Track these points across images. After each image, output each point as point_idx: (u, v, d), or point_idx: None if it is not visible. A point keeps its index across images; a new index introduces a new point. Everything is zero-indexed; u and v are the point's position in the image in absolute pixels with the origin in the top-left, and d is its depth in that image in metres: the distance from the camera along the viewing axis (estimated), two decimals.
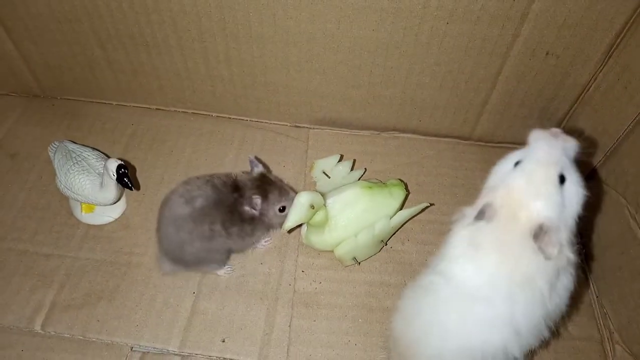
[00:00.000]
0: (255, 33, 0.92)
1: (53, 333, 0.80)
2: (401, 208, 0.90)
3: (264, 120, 1.12)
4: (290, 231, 0.88)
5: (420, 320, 0.64)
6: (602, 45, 0.86)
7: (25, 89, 1.12)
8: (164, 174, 1.01)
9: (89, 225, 0.93)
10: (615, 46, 0.85)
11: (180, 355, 0.79)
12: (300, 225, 0.88)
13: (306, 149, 1.07)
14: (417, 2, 0.83)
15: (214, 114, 1.12)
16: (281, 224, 0.81)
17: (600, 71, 0.90)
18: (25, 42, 1.01)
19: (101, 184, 0.87)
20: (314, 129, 1.11)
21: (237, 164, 1.03)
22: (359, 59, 0.94)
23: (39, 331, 0.80)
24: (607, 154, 0.90)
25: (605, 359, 0.82)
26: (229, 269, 0.88)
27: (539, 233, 0.54)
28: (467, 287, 0.58)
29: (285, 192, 0.83)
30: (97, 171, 0.89)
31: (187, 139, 1.07)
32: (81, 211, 0.93)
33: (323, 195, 0.84)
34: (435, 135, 1.10)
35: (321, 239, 0.87)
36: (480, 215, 0.58)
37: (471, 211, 0.60)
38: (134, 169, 1.01)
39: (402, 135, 1.10)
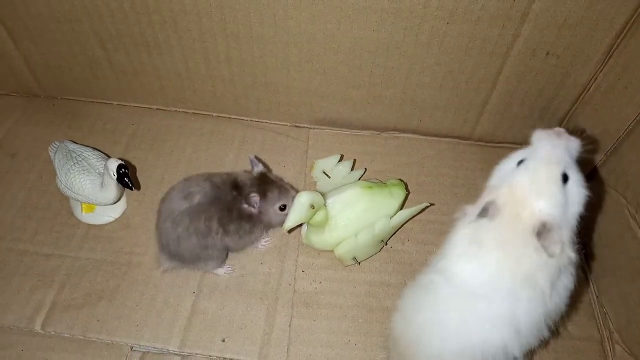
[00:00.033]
0: (256, 33, 0.92)
1: (53, 333, 0.80)
2: (401, 208, 0.90)
3: (265, 120, 1.12)
4: (290, 231, 0.88)
5: (420, 319, 0.64)
6: (602, 45, 0.86)
7: (26, 89, 1.12)
8: (165, 174, 1.01)
9: (89, 225, 0.93)
10: (615, 46, 0.85)
11: (180, 355, 0.79)
12: (300, 225, 0.88)
13: (306, 149, 1.07)
14: (418, 3, 0.83)
15: (214, 114, 1.12)
16: (282, 223, 0.81)
17: (601, 71, 0.90)
18: (26, 42, 1.01)
19: (101, 183, 0.87)
20: (314, 129, 1.11)
21: (238, 163, 1.03)
22: (360, 59, 0.94)
23: (39, 331, 0.80)
24: (607, 153, 0.90)
25: (605, 359, 0.82)
26: (229, 268, 0.88)
27: (541, 231, 0.54)
28: (468, 286, 0.58)
29: (285, 190, 0.83)
30: (97, 171, 0.89)
31: (187, 139, 1.07)
32: (81, 211, 0.93)
33: (323, 195, 0.84)
34: (436, 135, 1.10)
35: (321, 239, 0.87)
36: (483, 213, 0.58)
37: (473, 209, 0.60)
38: (134, 168, 1.01)
39: (402, 135, 1.10)
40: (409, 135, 1.10)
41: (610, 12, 0.81)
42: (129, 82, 1.07)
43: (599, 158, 0.92)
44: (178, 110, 1.13)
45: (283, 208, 0.83)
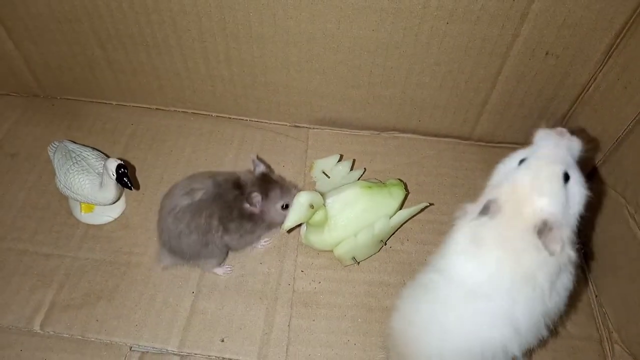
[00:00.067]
0: (256, 33, 0.92)
1: (52, 333, 0.80)
2: (401, 208, 0.90)
3: (264, 120, 1.12)
4: (289, 231, 0.88)
5: (419, 318, 0.64)
6: (601, 45, 0.86)
7: (26, 89, 1.13)
8: (164, 174, 1.01)
9: (88, 225, 0.93)
10: (614, 46, 0.85)
11: (179, 355, 0.79)
12: (299, 225, 0.88)
13: (306, 149, 1.07)
14: (417, 2, 0.83)
15: (213, 114, 1.12)
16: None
17: (600, 71, 0.90)
18: (25, 42, 1.01)
19: (101, 183, 0.87)
20: (313, 128, 1.11)
21: (237, 163, 1.03)
22: (359, 59, 0.94)
23: (38, 331, 0.80)
24: (607, 153, 0.90)
25: (604, 359, 0.82)
26: (228, 268, 0.88)
27: (542, 229, 0.54)
28: (468, 285, 0.59)
29: (287, 190, 0.83)
30: (96, 171, 0.89)
31: (187, 139, 1.07)
32: (81, 211, 0.93)
33: (322, 195, 0.84)
34: (435, 135, 1.10)
35: (320, 239, 0.87)
36: (485, 211, 0.58)
37: (474, 207, 0.60)
38: (133, 168, 1.01)
39: (401, 135, 1.10)
40: (409, 135, 1.10)
41: (609, 12, 0.81)
42: (128, 82, 1.07)
43: (598, 158, 0.92)
44: (177, 110, 1.13)
45: (285, 207, 0.83)
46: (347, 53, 0.93)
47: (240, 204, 0.81)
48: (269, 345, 0.81)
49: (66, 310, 0.82)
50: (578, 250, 0.58)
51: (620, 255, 0.84)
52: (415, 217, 0.93)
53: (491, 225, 0.57)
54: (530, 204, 0.55)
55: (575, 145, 0.60)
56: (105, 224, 0.93)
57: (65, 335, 0.80)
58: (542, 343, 0.65)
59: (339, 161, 1.01)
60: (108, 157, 0.94)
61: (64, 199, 0.95)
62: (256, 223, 0.83)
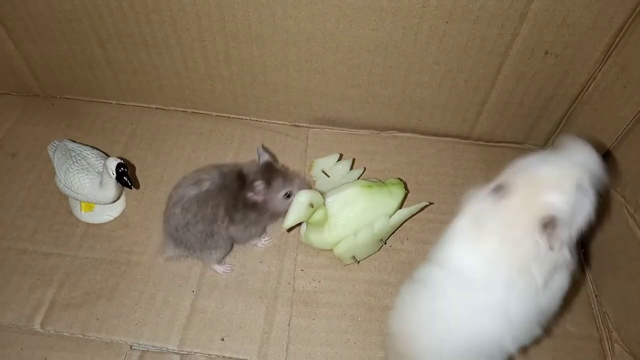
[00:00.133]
0: (255, 32, 0.92)
1: (52, 331, 0.80)
2: (400, 207, 0.90)
3: (264, 120, 1.12)
4: (289, 230, 0.88)
5: (415, 313, 0.65)
6: (601, 44, 0.86)
7: (26, 88, 1.13)
8: (164, 173, 1.01)
9: (88, 224, 0.93)
10: (614, 45, 0.85)
11: (179, 353, 0.79)
12: (299, 224, 0.88)
13: (305, 148, 1.08)
14: (417, 2, 0.83)
15: (213, 113, 1.12)
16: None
17: (599, 70, 0.90)
18: (25, 42, 1.01)
19: (100, 182, 0.87)
20: (313, 128, 1.11)
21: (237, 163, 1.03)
22: (358, 58, 0.94)
23: (39, 330, 0.80)
24: (606, 153, 0.90)
25: (604, 358, 0.82)
26: (228, 267, 0.88)
27: (548, 223, 0.55)
28: (464, 273, 0.59)
29: (290, 178, 0.84)
30: (96, 170, 0.89)
31: (186, 138, 1.08)
32: (80, 210, 0.93)
33: (322, 194, 0.84)
34: (435, 135, 1.10)
35: (320, 238, 0.87)
36: (498, 189, 0.58)
37: (486, 188, 0.60)
38: (133, 167, 1.01)
39: (401, 134, 1.10)
40: (408, 134, 1.10)
41: (609, 12, 0.81)
42: (128, 82, 1.07)
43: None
44: (177, 109, 1.13)
45: (288, 196, 0.83)
46: (347, 52, 0.93)
47: (245, 194, 0.81)
48: (269, 344, 0.81)
49: (66, 309, 0.82)
50: (576, 253, 0.58)
51: (620, 254, 0.84)
52: (415, 216, 0.93)
53: (496, 210, 0.58)
54: (544, 195, 0.56)
55: (601, 171, 0.61)
56: (105, 223, 0.93)
57: (65, 334, 0.80)
58: (539, 342, 0.65)
59: (338, 160, 1.01)
60: (108, 156, 0.94)
61: (64, 198, 0.95)
62: (260, 212, 0.83)
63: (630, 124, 0.83)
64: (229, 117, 1.12)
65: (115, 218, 0.94)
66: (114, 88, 1.09)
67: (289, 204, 0.81)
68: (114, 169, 0.83)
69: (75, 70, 1.06)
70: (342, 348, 0.81)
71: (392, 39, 0.89)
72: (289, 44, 0.93)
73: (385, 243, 0.92)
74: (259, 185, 0.80)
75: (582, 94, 0.95)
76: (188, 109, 1.13)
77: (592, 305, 0.88)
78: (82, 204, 0.92)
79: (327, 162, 1.00)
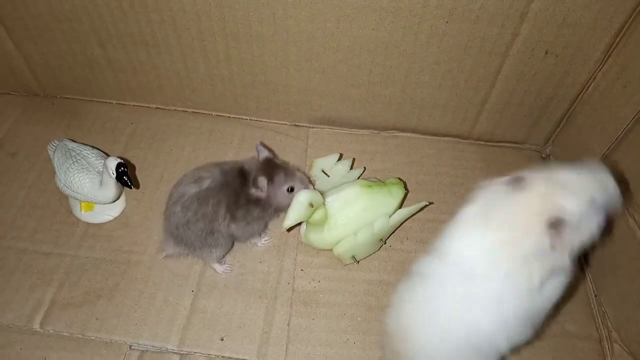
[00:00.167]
0: (255, 32, 0.92)
1: (52, 331, 0.80)
2: (400, 207, 0.90)
3: (264, 119, 1.12)
4: (289, 230, 0.88)
5: (412, 305, 0.65)
6: (601, 44, 0.86)
7: (26, 88, 1.13)
8: (164, 173, 1.01)
9: (88, 223, 0.93)
10: (614, 45, 0.85)
11: (179, 353, 0.79)
12: (299, 224, 0.88)
13: (305, 148, 1.08)
14: (417, 1, 0.83)
15: (213, 113, 1.12)
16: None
17: (600, 70, 0.90)
18: (25, 42, 1.01)
19: (100, 182, 0.87)
20: (313, 127, 1.11)
21: None
22: (359, 58, 0.94)
23: (38, 329, 0.80)
24: (606, 153, 0.90)
25: (603, 358, 0.82)
26: (227, 267, 0.88)
27: (555, 224, 0.55)
28: (464, 264, 0.59)
29: (292, 173, 0.84)
30: (96, 170, 0.89)
31: (186, 138, 1.08)
32: (80, 210, 0.93)
33: (322, 193, 0.84)
34: (435, 134, 1.10)
35: (320, 238, 0.87)
36: (515, 180, 0.59)
37: (503, 179, 0.61)
38: (133, 167, 1.01)
39: (401, 134, 1.10)
40: (408, 134, 1.10)
41: (609, 11, 0.81)
42: (128, 81, 1.07)
43: (597, 157, 0.92)
44: (177, 109, 1.13)
45: (291, 190, 0.83)
46: (347, 52, 0.93)
47: (247, 190, 0.81)
48: (269, 344, 0.81)
49: (66, 309, 0.82)
50: (576, 264, 0.59)
51: (620, 254, 0.84)
52: (414, 216, 0.93)
53: (509, 199, 0.59)
54: (558, 197, 0.57)
55: (616, 196, 0.62)
56: (105, 223, 0.93)
57: (65, 333, 0.80)
58: (539, 342, 0.65)
59: (338, 160, 1.01)
60: (108, 155, 0.94)
61: (64, 197, 0.95)
62: (263, 208, 0.83)
63: (630, 124, 0.83)
64: (229, 116, 1.12)
65: (115, 218, 0.94)
66: (114, 88, 1.09)
67: (292, 198, 0.81)
68: (114, 169, 0.83)
69: (75, 70, 1.06)
70: (342, 348, 0.81)
71: (392, 39, 0.89)
72: (289, 43, 0.93)
73: (385, 243, 0.92)
74: (262, 180, 0.80)
75: (582, 93, 0.95)
76: (188, 109, 1.13)
77: (592, 305, 0.88)
78: (82, 204, 0.92)
79: (327, 161, 1.00)
